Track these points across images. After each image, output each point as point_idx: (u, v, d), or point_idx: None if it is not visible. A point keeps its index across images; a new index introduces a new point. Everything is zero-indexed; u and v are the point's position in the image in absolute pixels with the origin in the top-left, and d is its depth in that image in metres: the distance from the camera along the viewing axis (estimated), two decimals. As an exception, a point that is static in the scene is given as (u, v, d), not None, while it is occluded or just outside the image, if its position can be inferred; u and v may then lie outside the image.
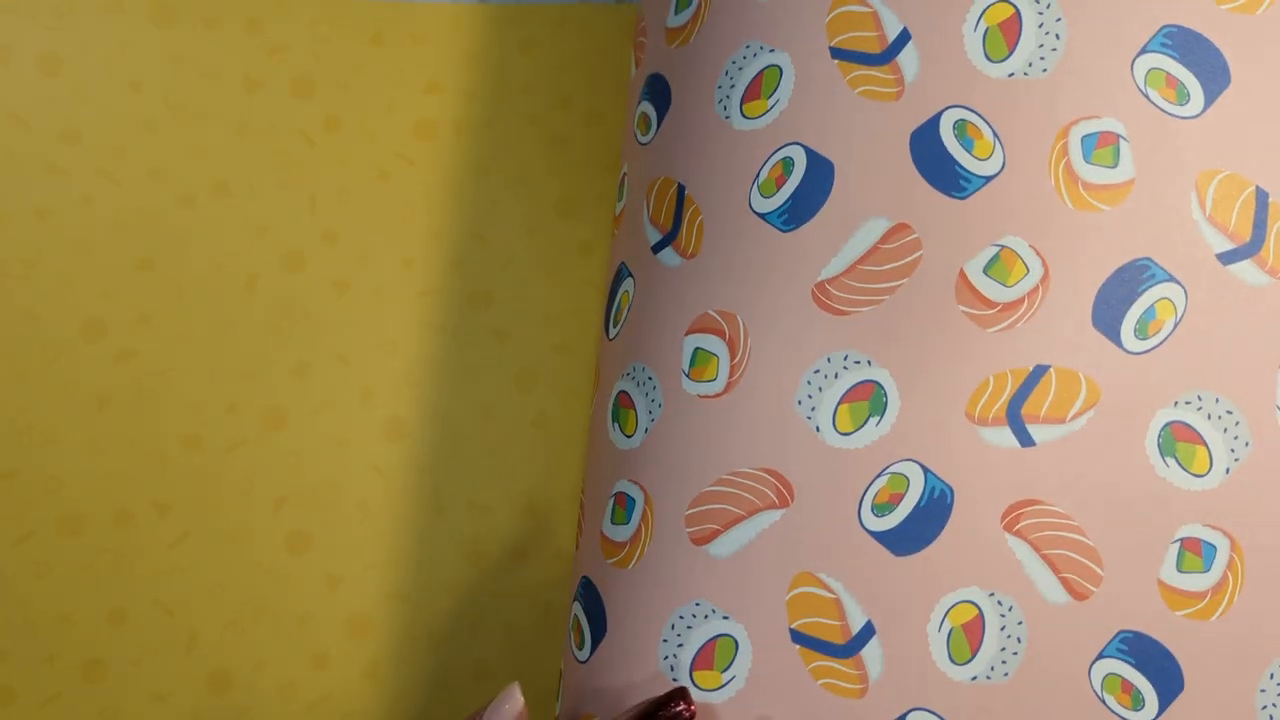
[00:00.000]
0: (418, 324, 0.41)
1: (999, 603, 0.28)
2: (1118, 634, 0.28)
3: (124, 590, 0.39)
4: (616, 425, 0.30)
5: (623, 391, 0.30)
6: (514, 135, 0.42)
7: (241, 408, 0.40)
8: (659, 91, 0.31)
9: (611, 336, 0.31)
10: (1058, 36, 0.28)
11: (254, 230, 0.41)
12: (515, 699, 0.28)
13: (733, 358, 0.28)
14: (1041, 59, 0.28)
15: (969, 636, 0.28)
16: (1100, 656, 0.28)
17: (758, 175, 0.28)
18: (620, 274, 0.31)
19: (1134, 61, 0.27)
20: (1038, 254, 0.28)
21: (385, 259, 0.41)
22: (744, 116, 0.29)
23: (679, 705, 0.28)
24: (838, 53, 0.28)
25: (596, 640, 0.29)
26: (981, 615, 0.28)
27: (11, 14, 0.40)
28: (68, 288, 0.40)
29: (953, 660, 0.28)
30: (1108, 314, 0.27)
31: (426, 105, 0.42)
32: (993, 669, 0.28)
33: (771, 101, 0.28)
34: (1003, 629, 0.28)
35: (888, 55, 0.28)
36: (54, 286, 0.40)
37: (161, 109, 0.41)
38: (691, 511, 0.28)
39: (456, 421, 0.41)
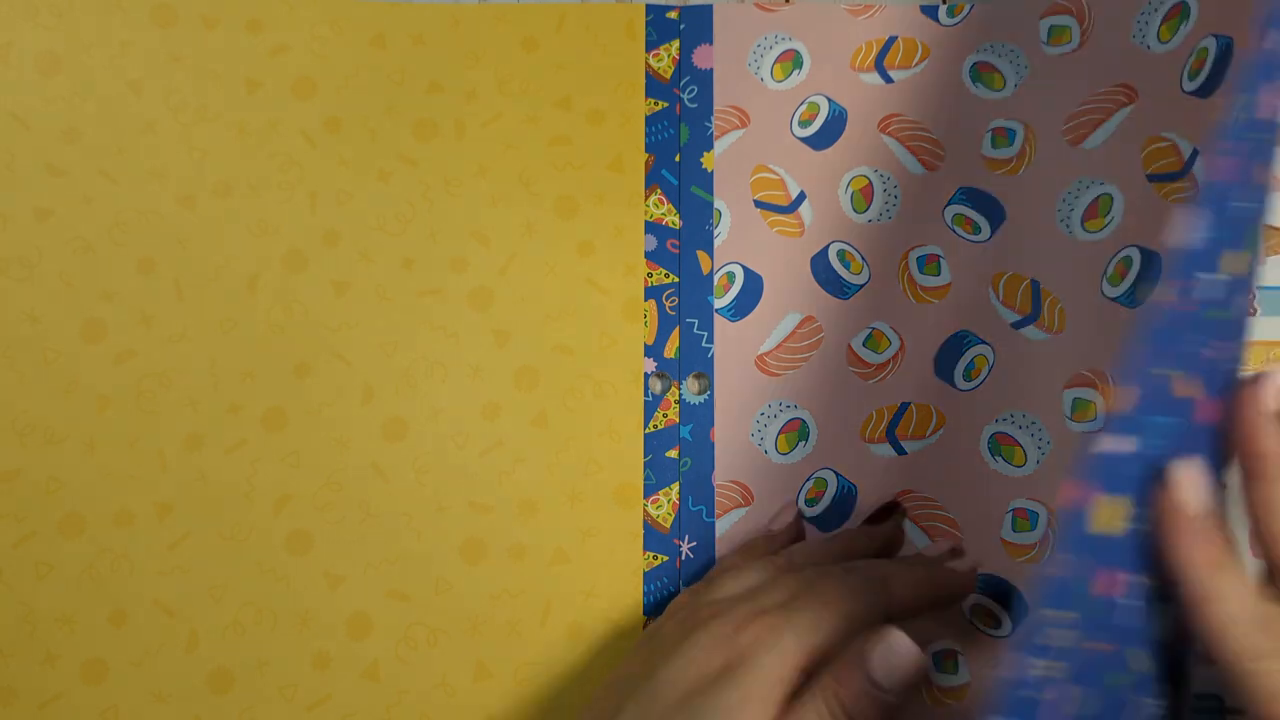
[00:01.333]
0: (418, 324, 0.41)
1: None
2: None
3: (124, 590, 0.39)
4: (999, 457, 0.39)
5: (1000, 432, 0.40)
6: (514, 135, 0.42)
7: (241, 408, 0.40)
8: (980, 201, 0.42)
9: (966, 388, 0.41)
10: None
11: (254, 230, 0.41)
12: (904, 651, 0.32)
13: (1105, 402, 0.37)
14: None
15: None
16: None
17: (1105, 270, 0.39)
18: (968, 340, 0.41)
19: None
20: None
21: (385, 259, 0.41)
22: (1085, 230, 0.40)
23: (894, 505, 0.38)
24: (1153, 177, 0.39)
25: (1017, 620, 0.37)
26: None
27: (11, 14, 0.41)
28: (68, 288, 0.40)
29: None
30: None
31: (426, 105, 0.42)
32: None
33: (1108, 219, 0.39)
34: None
35: (1185, 170, 0.38)
36: (54, 286, 0.40)
37: (161, 109, 0.41)
38: None
39: (456, 421, 0.41)
